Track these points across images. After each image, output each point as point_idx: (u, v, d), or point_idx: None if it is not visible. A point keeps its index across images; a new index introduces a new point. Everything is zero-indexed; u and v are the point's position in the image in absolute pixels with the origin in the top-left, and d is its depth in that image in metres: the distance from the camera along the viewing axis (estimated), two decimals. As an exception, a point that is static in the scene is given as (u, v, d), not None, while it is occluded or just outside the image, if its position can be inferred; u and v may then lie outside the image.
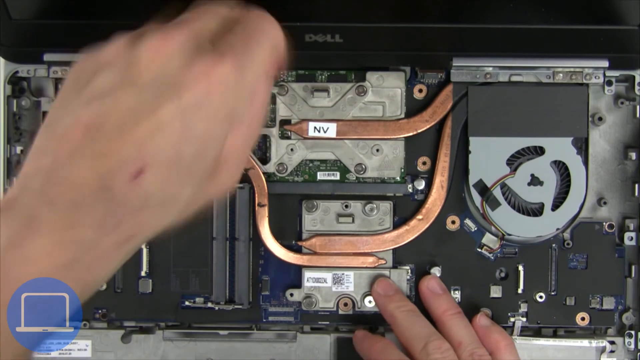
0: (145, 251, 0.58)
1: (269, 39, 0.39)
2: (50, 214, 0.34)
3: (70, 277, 0.34)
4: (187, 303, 0.59)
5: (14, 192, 0.35)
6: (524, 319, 0.58)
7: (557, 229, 0.57)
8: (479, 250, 0.58)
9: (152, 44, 0.36)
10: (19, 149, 0.58)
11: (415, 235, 0.58)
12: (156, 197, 0.35)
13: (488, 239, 0.58)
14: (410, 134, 0.57)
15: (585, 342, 0.57)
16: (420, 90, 0.58)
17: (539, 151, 0.56)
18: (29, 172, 0.35)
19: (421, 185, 0.58)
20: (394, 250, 0.58)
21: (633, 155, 0.58)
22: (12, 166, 0.58)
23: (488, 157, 0.56)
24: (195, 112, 0.35)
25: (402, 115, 0.57)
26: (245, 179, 0.57)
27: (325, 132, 0.57)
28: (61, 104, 0.37)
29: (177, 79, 0.35)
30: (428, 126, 0.57)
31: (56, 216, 0.34)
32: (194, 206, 0.38)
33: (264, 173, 0.57)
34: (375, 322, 0.59)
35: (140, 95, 0.35)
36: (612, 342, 0.58)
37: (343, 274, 0.58)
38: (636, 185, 0.58)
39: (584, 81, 0.56)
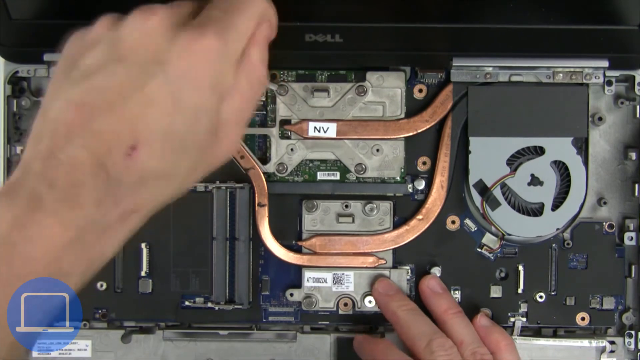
0: (145, 251, 0.58)
1: (251, 7, 0.39)
2: (51, 194, 0.34)
3: (75, 254, 0.35)
4: (187, 303, 0.58)
5: (15, 177, 0.36)
6: (524, 319, 0.58)
7: (557, 229, 0.57)
8: (479, 250, 0.58)
9: (136, 21, 0.36)
10: (19, 149, 0.58)
11: (415, 235, 0.58)
12: (153, 172, 0.36)
13: (488, 239, 0.58)
14: (410, 134, 0.57)
15: (585, 342, 0.57)
16: (420, 90, 0.58)
17: (539, 151, 0.56)
18: (29, 157, 0.36)
19: (421, 185, 0.58)
20: (394, 250, 0.58)
21: (633, 155, 0.58)
22: (12, 166, 0.58)
23: (488, 157, 0.56)
24: (182, 84, 0.36)
25: (402, 115, 0.57)
26: (245, 178, 0.57)
27: (325, 132, 0.57)
28: (53, 88, 0.37)
29: (162, 54, 0.36)
30: (428, 126, 0.57)
31: (57, 196, 0.34)
32: (195, 177, 0.39)
33: (264, 173, 0.57)
34: (375, 322, 0.59)
35: (127, 71, 0.35)
36: (612, 342, 0.58)
37: (343, 274, 0.58)
38: (636, 185, 0.58)
39: (584, 81, 0.56)
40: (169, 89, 0.35)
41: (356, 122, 0.57)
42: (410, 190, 0.58)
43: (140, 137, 0.35)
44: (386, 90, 0.57)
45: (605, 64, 0.55)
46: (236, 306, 0.57)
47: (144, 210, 0.37)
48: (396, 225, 0.58)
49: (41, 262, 0.34)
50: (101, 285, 0.58)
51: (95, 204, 0.35)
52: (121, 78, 0.35)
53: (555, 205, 0.56)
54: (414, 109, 0.58)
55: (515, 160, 0.57)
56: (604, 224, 0.58)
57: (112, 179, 0.35)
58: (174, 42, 0.36)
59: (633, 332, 0.58)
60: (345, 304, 0.58)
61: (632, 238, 0.57)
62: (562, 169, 0.57)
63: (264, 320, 0.59)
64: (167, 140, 0.36)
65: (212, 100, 0.37)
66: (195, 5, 0.39)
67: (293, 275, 0.59)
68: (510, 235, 0.57)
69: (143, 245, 0.58)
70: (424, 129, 0.57)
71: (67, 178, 0.34)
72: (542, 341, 0.58)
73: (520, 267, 0.58)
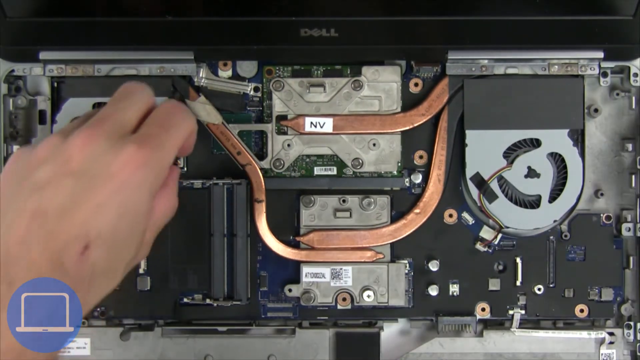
0: (143, 248, 0.58)
1: (183, 125, 0.46)
2: (11, 292, 0.38)
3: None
4: (185, 300, 0.58)
5: None
6: (523, 312, 0.58)
7: (555, 221, 0.57)
8: (476, 243, 0.58)
9: (81, 138, 0.41)
10: (15, 147, 0.58)
11: (413, 229, 0.58)
12: (101, 268, 0.41)
13: (486, 232, 0.58)
14: (407, 127, 0.57)
15: (584, 334, 0.57)
16: (416, 84, 0.58)
17: (535, 143, 0.57)
18: None
19: (418, 179, 0.58)
20: (392, 245, 0.58)
21: (629, 147, 0.58)
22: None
23: (484, 150, 0.56)
24: (127, 192, 0.41)
25: (398, 109, 0.57)
26: (243, 175, 0.57)
27: (321, 127, 0.57)
28: (2, 198, 0.41)
29: (108, 166, 0.41)
30: (424, 120, 0.57)
31: None
32: (125, 273, 0.44)
33: (260, 169, 0.57)
34: (373, 317, 0.59)
35: (76, 182, 0.40)
36: (611, 334, 0.58)
37: (341, 268, 0.58)
38: (633, 177, 0.58)
39: (580, 73, 0.56)
40: (115, 195, 0.40)
41: (352, 116, 0.57)
42: (407, 184, 0.58)
43: (91, 238, 0.39)
44: (382, 84, 0.57)
45: (601, 55, 0.55)
46: (235, 302, 0.57)
47: (90, 305, 0.41)
48: (394, 220, 0.58)
49: (6, 356, 0.38)
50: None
51: None
52: (72, 188, 0.40)
53: (553, 197, 0.57)
54: (410, 102, 0.58)
55: (511, 153, 0.57)
56: (602, 215, 0.58)
57: (68, 275, 0.39)
58: (118, 155, 0.41)
59: (632, 323, 0.58)
60: (344, 299, 0.58)
61: (629, 229, 0.58)
62: (558, 161, 0.57)
63: (263, 316, 0.59)
64: (113, 240, 0.40)
65: (149, 203, 0.43)
66: (131, 119, 0.44)
67: (291, 271, 0.59)
68: (507, 227, 0.57)
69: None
70: (420, 122, 0.57)
71: (26, 275, 0.38)
72: (541, 333, 0.58)
73: (518, 260, 0.58)
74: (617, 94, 0.58)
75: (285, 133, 0.58)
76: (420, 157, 0.58)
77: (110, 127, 0.42)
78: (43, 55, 0.56)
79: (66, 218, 0.39)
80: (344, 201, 0.58)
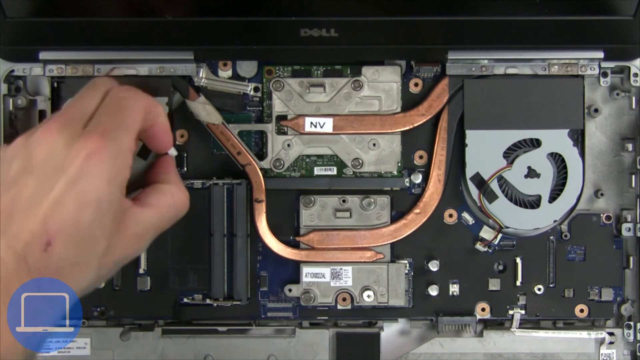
0: (143, 248, 0.58)
1: (131, 108, 0.46)
2: None
3: (6, 339, 0.39)
4: (185, 300, 0.58)
5: None
6: (523, 312, 0.58)
7: (555, 221, 0.57)
8: (476, 243, 0.58)
9: (38, 135, 0.42)
10: (15, 147, 0.58)
11: (413, 229, 0.58)
12: (68, 261, 0.41)
13: (486, 232, 0.58)
14: (407, 128, 0.57)
15: (584, 334, 0.57)
16: (416, 84, 0.58)
17: (535, 143, 0.57)
18: None
19: (418, 179, 0.58)
20: (392, 245, 0.58)
21: (629, 147, 0.58)
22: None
23: (484, 150, 0.56)
24: (82, 183, 0.41)
25: (398, 110, 0.57)
26: (243, 175, 0.57)
27: (321, 127, 0.57)
28: None
29: (63, 161, 0.41)
30: (424, 120, 0.57)
31: None
32: (111, 260, 0.43)
33: (260, 169, 0.57)
34: (373, 317, 0.59)
35: (37, 179, 0.41)
36: (611, 334, 0.58)
37: (341, 268, 0.58)
38: (633, 177, 0.58)
39: (580, 73, 0.56)
40: (72, 190, 0.41)
41: (352, 116, 0.57)
42: (407, 184, 0.58)
43: (52, 233, 0.40)
44: (382, 84, 0.57)
45: (601, 55, 0.55)
46: (235, 302, 0.57)
47: None
48: (394, 220, 0.58)
49: None
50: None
51: None
52: (33, 185, 0.41)
53: (553, 198, 0.57)
54: (410, 103, 0.58)
55: (511, 153, 0.57)
56: (602, 215, 0.58)
57: (31, 272, 0.39)
58: (70, 149, 0.42)
59: (632, 324, 0.58)
60: (344, 299, 0.58)
61: (629, 229, 0.58)
62: (558, 161, 0.57)
63: (263, 316, 0.59)
64: (77, 232, 0.41)
65: (113, 192, 0.42)
66: (90, 109, 0.45)
67: (291, 271, 0.59)
68: (507, 227, 0.57)
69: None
70: (420, 122, 0.57)
71: None
72: (541, 333, 0.58)
73: (518, 260, 0.58)
74: (617, 94, 0.58)
75: (285, 133, 0.58)
76: (420, 157, 0.58)
77: (65, 121, 0.43)
78: (43, 55, 0.56)
79: (27, 216, 0.40)
80: (344, 201, 0.58)
